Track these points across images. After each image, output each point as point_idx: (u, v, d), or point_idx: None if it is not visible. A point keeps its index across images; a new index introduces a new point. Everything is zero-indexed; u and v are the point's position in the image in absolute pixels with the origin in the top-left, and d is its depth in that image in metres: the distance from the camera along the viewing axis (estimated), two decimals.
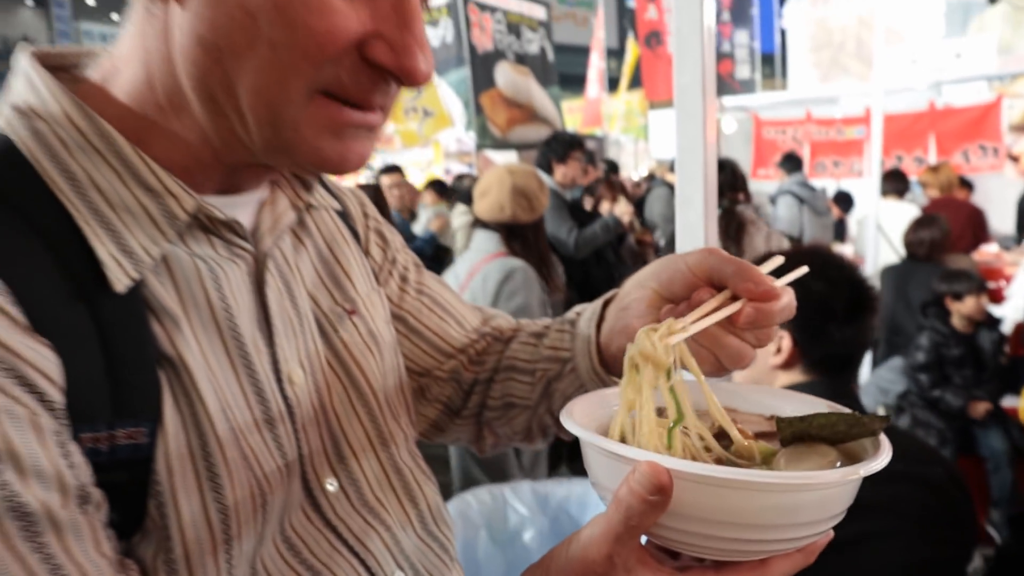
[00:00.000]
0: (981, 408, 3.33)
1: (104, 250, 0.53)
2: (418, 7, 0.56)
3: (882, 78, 4.57)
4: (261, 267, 0.64)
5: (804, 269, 0.64)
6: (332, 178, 0.82)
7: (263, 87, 0.53)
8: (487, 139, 7.09)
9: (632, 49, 10.94)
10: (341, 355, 0.70)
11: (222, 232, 0.61)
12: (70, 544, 0.47)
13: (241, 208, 0.64)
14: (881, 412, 3.75)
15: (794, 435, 0.54)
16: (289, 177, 0.70)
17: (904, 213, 5.14)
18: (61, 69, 0.60)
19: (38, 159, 0.54)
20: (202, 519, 0.55)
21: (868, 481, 0.49)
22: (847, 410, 0.56)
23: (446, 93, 6.92)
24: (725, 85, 11.84)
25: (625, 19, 28.01)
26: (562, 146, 4.04)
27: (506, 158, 8.05)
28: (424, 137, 6.90)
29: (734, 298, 0.61)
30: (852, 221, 7.55)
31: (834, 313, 1.47)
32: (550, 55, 8.05)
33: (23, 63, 0.58)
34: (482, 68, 6.99)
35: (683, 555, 0.54)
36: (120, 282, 0.53)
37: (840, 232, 7.45)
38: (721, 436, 0.56)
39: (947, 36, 9.64)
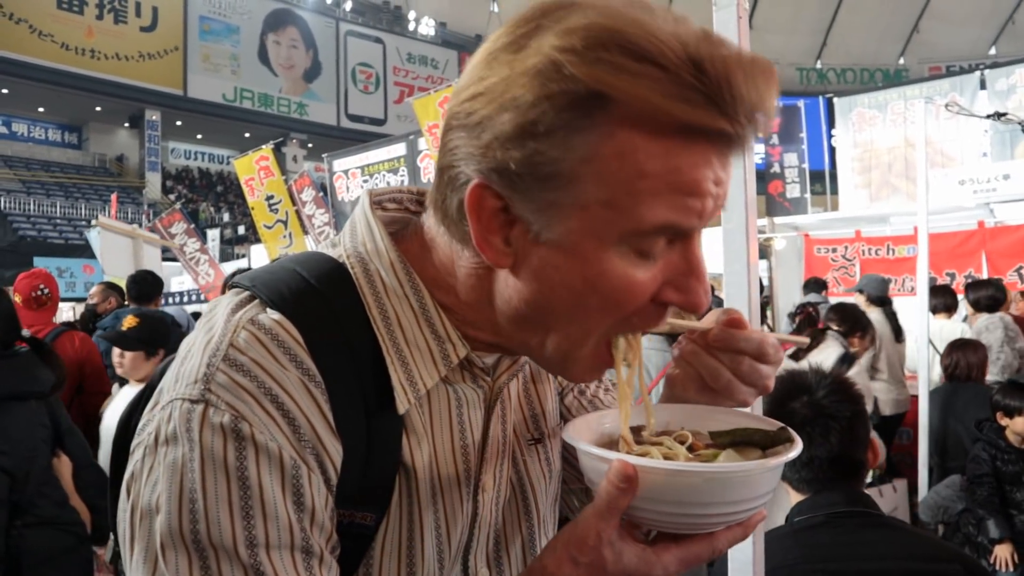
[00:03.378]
0: None
1: (396, 378, 0.67)
2: (701, 253, 0.63)
3: (929, 199, 4.69)
4: (494, 397, 0.76)
5: (804, 340, 0.79)
6: None
7: (571, 335, 0.65)
8: None
9: None
10: (521, 474, 0.83)
11: (476, 371, 0.74)
12: (324, 575, 0.63)
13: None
14: (940, 530, 3.76)
15: (732, 441, 0.70)
16: None
17: (952, 331, 5.17)
18: (378, 205, 0.76)
19: (364, 293, 0.69)
20: None
21: None
22: (770, 427, 0.71)
23: None
24: (776, 205, 12.19)
25: None
26: None
27: None
28: None
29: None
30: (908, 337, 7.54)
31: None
32: None
33: (364, 200, 0.74)
34: None
35: (653, 532, 0.66)
36: (402, 406, 0.67)
37: None
38: (690, 448, 0.70)
39: (993, 159, 9.83)
